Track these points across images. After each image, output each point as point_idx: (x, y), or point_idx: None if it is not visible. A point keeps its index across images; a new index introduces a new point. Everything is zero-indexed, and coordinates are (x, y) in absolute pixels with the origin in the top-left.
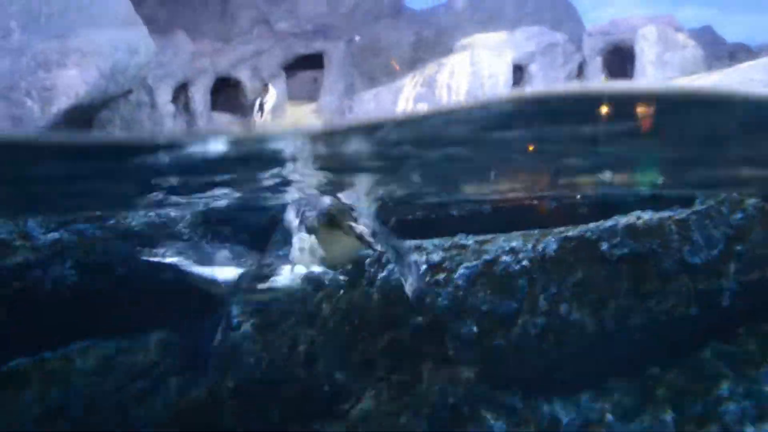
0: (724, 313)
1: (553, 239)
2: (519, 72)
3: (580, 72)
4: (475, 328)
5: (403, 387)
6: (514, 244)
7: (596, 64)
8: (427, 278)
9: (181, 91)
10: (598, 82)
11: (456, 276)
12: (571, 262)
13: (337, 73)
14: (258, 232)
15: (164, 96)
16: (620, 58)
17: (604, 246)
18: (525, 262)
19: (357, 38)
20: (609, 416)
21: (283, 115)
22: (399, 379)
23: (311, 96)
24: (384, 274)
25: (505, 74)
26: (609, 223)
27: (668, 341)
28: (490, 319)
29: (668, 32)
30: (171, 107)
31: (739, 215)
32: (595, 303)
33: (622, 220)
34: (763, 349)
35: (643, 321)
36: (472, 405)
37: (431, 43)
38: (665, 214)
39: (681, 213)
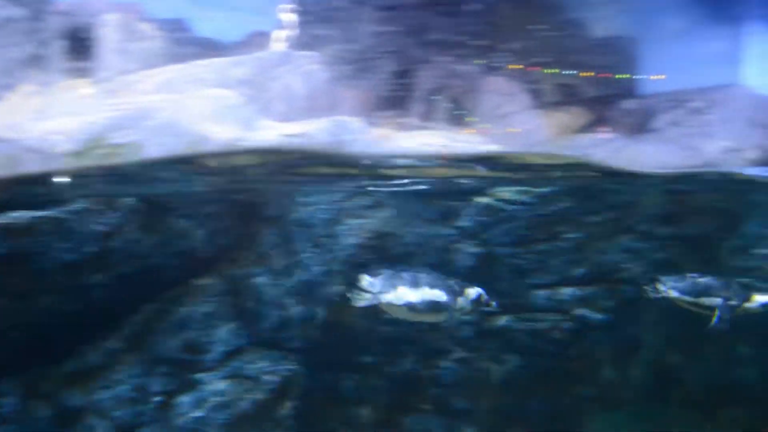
0: (100, 306)
1: None
2: None
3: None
4: None
5: None
6: None
7: (58, 46)
8: None
9: None
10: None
11: None
12: None
13: None
14: None
15: None
16: (84, 43)
17: None
18: None
19: None
20: None
21: None
22: None
23: None
24: None
25: None
26: None
27: (50, 338)
28: None
29: (132, 21)
30: None
31: (114, 214)
32: None
33: None
34: (138, 338)
35: (22, 320)
36: None
37: None
38: (40, 213)
39: (56, 212)
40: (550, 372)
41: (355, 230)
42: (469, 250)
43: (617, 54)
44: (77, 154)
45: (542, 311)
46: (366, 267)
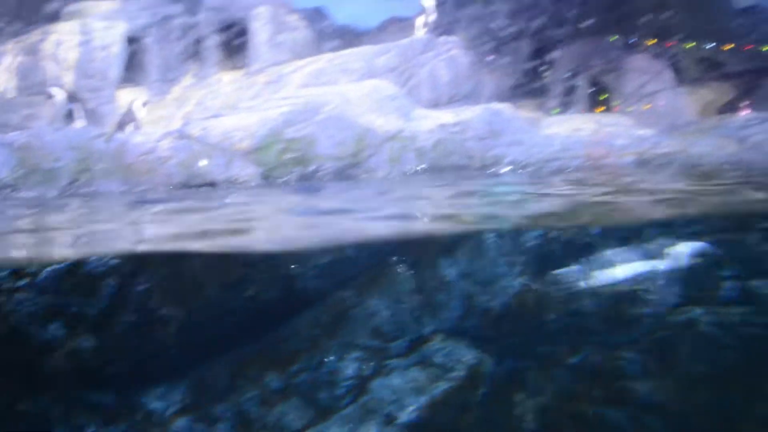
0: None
1: None
2: (135, 44)
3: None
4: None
5: None
6: None
7: (213, 40)
8: None
9: None
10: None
11: None
12: None
13: None
14: None
15: None
16: (237, 36)
17: None
18: None
19: None
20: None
21: None
22: None
23: None
24: None
25: (118, 46)
26: None
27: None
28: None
29: (281, 13)
30: None
31: None
32: None
33: None
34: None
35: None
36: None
37: (36, 7)
38: None
39: None
40: None
41: None
42: None
43: (761, 24)
44: (258, 149)
45: None
46: None
